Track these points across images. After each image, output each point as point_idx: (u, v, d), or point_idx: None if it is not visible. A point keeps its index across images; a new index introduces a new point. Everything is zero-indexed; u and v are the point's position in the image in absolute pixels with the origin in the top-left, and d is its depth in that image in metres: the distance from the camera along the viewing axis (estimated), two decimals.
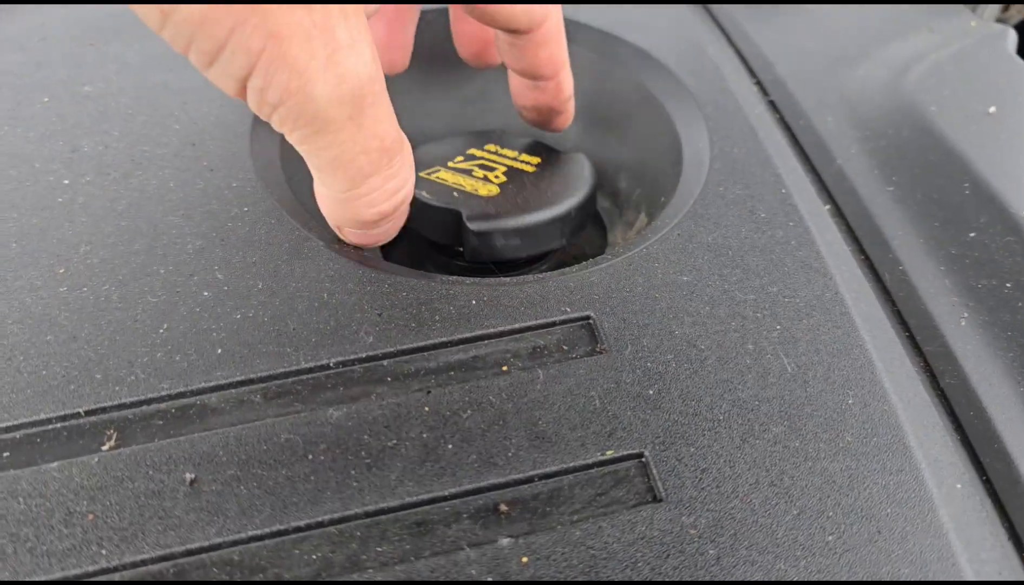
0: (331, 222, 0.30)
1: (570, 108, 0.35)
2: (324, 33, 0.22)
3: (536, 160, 0.37)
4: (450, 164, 0.36)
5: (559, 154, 0.37)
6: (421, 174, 0.36)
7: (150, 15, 0.22)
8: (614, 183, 0.42)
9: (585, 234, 0.41)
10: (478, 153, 0.37)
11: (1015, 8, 0.61)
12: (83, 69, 0.39)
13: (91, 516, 0.23)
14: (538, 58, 0.32)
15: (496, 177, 0.36)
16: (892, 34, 0.47)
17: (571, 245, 0.36)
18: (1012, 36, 0.47)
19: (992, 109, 0.40)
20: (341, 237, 0.31)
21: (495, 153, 0.37)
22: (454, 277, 0.30)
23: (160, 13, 0.22)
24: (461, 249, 0.35)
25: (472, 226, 0.33)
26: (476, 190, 0.35)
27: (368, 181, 0.27)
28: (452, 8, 0.36)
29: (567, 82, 0.34)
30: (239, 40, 0.22)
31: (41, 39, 0.41)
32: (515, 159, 0.37)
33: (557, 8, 0.31)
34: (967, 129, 0.39)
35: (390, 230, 0.30)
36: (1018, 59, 0.45)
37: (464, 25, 0.36)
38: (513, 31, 0.31)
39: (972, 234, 0.34)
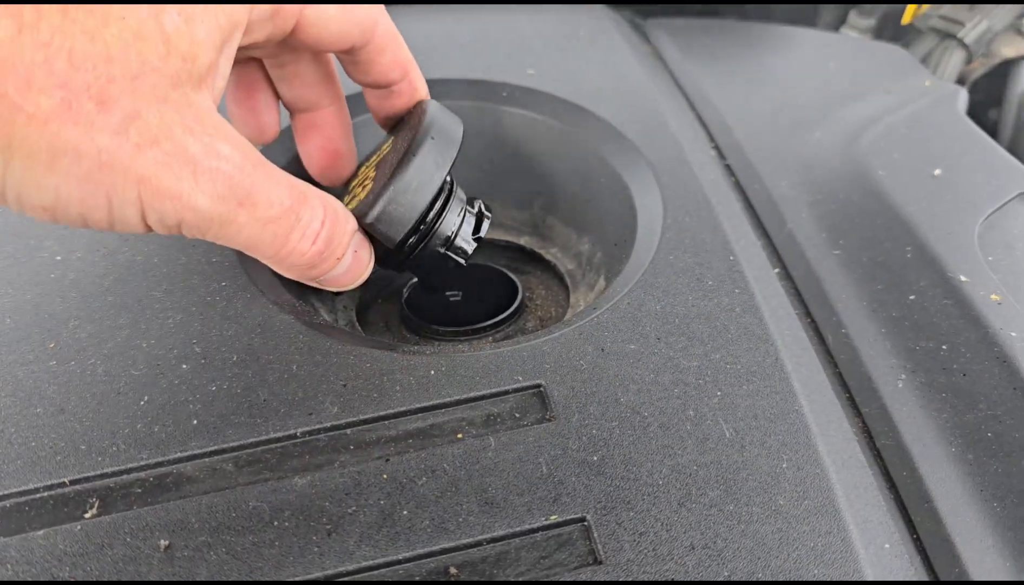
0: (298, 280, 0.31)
1: (414, 88, 0.35)
2: (178, 156, 0.25)
3: (389, 140, 0.36)
4: (350, 190, 0.35)
5: (402, 118, 0.36)
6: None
7: (41, 216, 0.24)
8: (577, 246, 0.44)
9: (550, 297, 0.43)
10: (353, 182, 0.36)
11: (979, 61, 0.63)
12: None
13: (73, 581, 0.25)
14: (382, 64, 0.32)
15: (368, 178, 0.34)
16: (850, 96, 0.49)
17: (537, 295, 0.37)
18: (963, 96, 0.49)
19: (937, 171, 0.42)
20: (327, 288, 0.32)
21: (363, 168, 0.36)
22: (415, 347, 0.32)
23: (45, 212, 0.24)
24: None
25: (367, 219, 0.31)
26: (358, 197, 0.33)
27: (288, 242, 0.28)
28: (296, 125, 0.36)
29: (419, 81, 0.34)
30: (118, 198, 0.24)
31: None
32: (376, 156, 0.36)
33: (382, 10, 0.31)
34: (912, 192, 0.41)
35: (354, 258, 0.30)
36: (966, 119, 0.47)
37: (310, 140, 0.36)
38: (349, 49, 0.31)
39: (912, 297, 0.36)
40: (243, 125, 0.35)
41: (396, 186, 0.31)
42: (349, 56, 0.32)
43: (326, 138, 0.35)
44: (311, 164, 0.36)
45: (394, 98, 0.34)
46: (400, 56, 0.33)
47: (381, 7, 0.31)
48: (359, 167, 0.37)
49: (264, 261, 0.29)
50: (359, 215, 0.31)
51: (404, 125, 0.35)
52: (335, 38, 0.30)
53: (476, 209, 0.35)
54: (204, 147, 0.25)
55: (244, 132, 0.35)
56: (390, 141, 0.35)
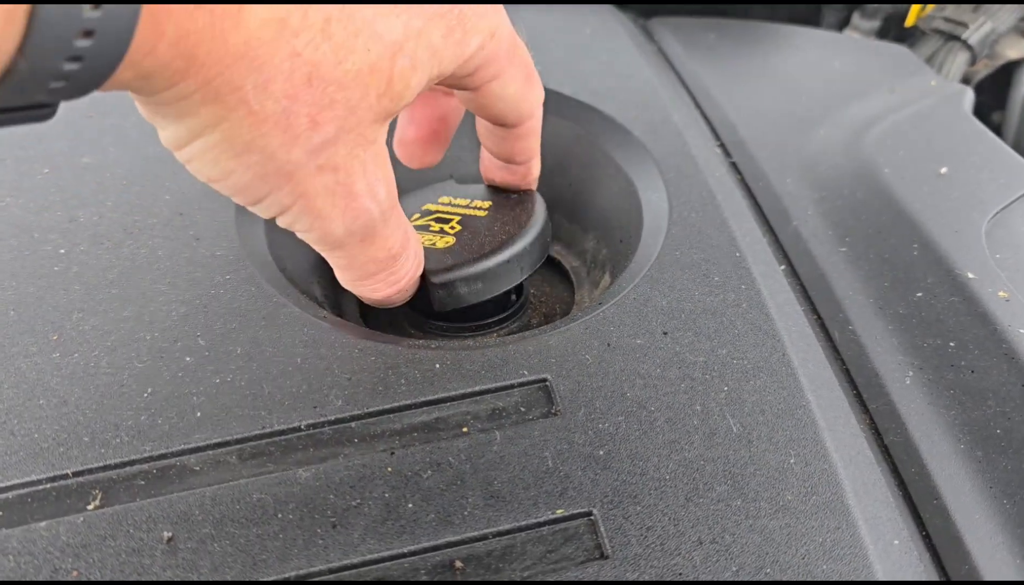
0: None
1: (533, 187, 0.38)
2: (344, 188, 0.27)
3: (487, 204, 0.38)
4: (415, 216, 0.38)
5: (509, 195, 0.39)
6: None
7: (199, 177, 0.26)
8: (582, 243, 0.44)
9: (554, 293, 0.43)
10: (433, 207, 0.39)
11: (982, 62, 0.63)
12: (83, 141, 0.41)
13: (75, 573, 0.25)
14: (516, 148, 0.34)
15: (451, 227, 0.37)
16: (854, 95, 0.49)
17: (541, 291, 0.37)
18: (969, 96, 0.49)
19: (944, 170, 0.42)
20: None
21: (448, 204, 0.38)
22: (420, 341, 0.32)
23: (207, 180, 0.26)
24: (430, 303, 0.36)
25: (435, 280, 0.34)
26: (434, 243, 0.36)
27: (373, 278, 0.31)
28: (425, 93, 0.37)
29: (535, 168, 0.36)
30: (274, 199, 0.27)
31: None
32: (467, 207, 0.38)
33: (540, 106, 0.33)
34: (919, 190, 0.41)
35: (397, 301, 0.34)
36: (972, 119, 0.47)
37: (421, 110, 0.36)
38: (501, 124, 0.33)
39: (919, 294, 0.36)
40: (409, 150, 0.36)
41: (475, 271, 0.35)
42: (494, 128, 0.34)
43: (436, 118, 0.35)
44: (408, 131, 0.36)
45: (507, 173, 0.36)
46: (532, 147, 0.35)
47: (542, 97, 0.33)
48: (446, 198, 0.40)
49: (335, 270, 0.31)
50: (429, 263, 0.35)
51: (508, 203, 0.38)
52: (498, 113, 0.32)
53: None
54: (367, 187, 0.28)
55: (405, 153, 0.36)
56: (488, 204, 0.38)
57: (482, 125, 0.34)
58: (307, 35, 0.24)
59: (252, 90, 0.24)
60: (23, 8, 0.19)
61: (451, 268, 0.35)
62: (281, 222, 0.28)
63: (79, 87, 0.21)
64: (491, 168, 0.37)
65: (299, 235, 0.29)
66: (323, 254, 0.30)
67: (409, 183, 0.45)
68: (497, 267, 0.35)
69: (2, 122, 0.21)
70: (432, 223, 0.38)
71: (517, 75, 0.31)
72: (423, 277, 0.35)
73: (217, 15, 0.22)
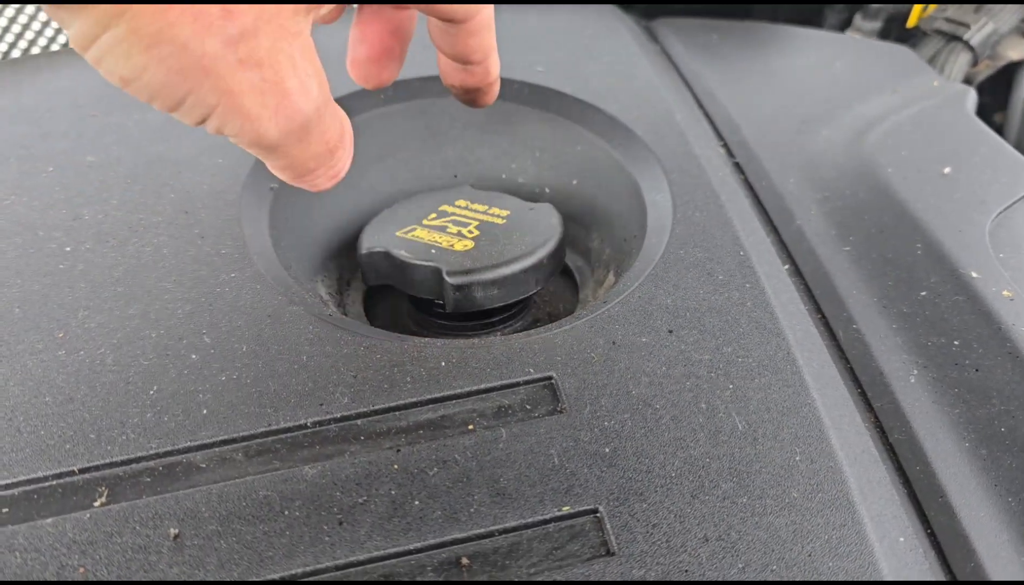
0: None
1: (495, 89, 0.36)
2: (275, 86, 0.26)
3: (505, 212, 0.39)
4: (425, 222, 0.38)
5: (527, 205, 0.39)
6: (398, 233, 0.38)
7: (112, 80, 0.25)
8: (586, 242, 0.44)
9: (558, 292, 0.43)
10: (450, 209, 0.39)
11: (984, 63, 0.63)
12: (86, 139, 0.41)
13: (82, 569, 0.25)
14: (469, 46, 0.33)
15: (470, 231, 0.38)
16: (857, 96, 0.49)
17: (545, 290, 0.38)
18: (972, 96, 0.49)
19: (947, 169, 0.42)
20: None
21: (466, 208, 0.39)
22: (426, 339, 0.32)
23: (120, 81, 0.25)
24: (441, 302, 0.37)
25: (452, 280, 0.35)
26: (452, 245, 0.37)
27: (313, 174, 0.30)
28: (361, 11, 0.35)
29: (494, 66, 0.35)
30: (195, 98, 0.25)
31: (48, 110, 0.43)
32: (485, 212, 0.39)
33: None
34: (922, 190, 0.41)
35: (329, 187, 0.32)
36: (975, 119, 0.47)
37: (371, 26, 0.35)
38: (449, 20, 0.31)
39: (923, 293, 0.36)
40: (368, 66, 0.35)
41: (493, 277, 0.36)
42: (444, 26, 0.32)
43: (388, 32, 0.34)
44: (360, 49, 0.35)
45: (466, 75, 0.35)
46: (487, 43, 0.33)
47: None
48: (463, 201, 0.40)
49: (272, 170, 0.29)
50: (445, 266, 0.36)
51: (526, 213, 0.39)
52: (445, 10, 0.31)
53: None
54: (299, 84, 0.26)
55: (366, 72, 0.35)
56: (507, 212, 0.39)
57: (433, 25, 0.33)
58: None
59: None
60: None
61: (469, 272, 0.35)
62: (210, 127, 0.26)
63: None
64: (449, 72, 0.35)
65: (232, 140, 0.27)
66: (258, 156, 0.29)
67: (424, 187, 0.45)
68: (515, 275, 0.36)
69: None
70: (450, 225, 0.38)
71: None
72: (439, 278, 0.35)
73: None
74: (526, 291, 0.37)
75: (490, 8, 0.32)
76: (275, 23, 0.25)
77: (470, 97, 0.36)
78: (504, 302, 0.37)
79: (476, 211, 0.39)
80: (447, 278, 0.35)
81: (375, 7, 0.34)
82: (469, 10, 0.31)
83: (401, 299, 0.41)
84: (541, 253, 0.37)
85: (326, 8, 0.27)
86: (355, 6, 0.35)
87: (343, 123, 0.30)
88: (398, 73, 0.36)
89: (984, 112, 0.65)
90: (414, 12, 0.35)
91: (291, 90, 0.26)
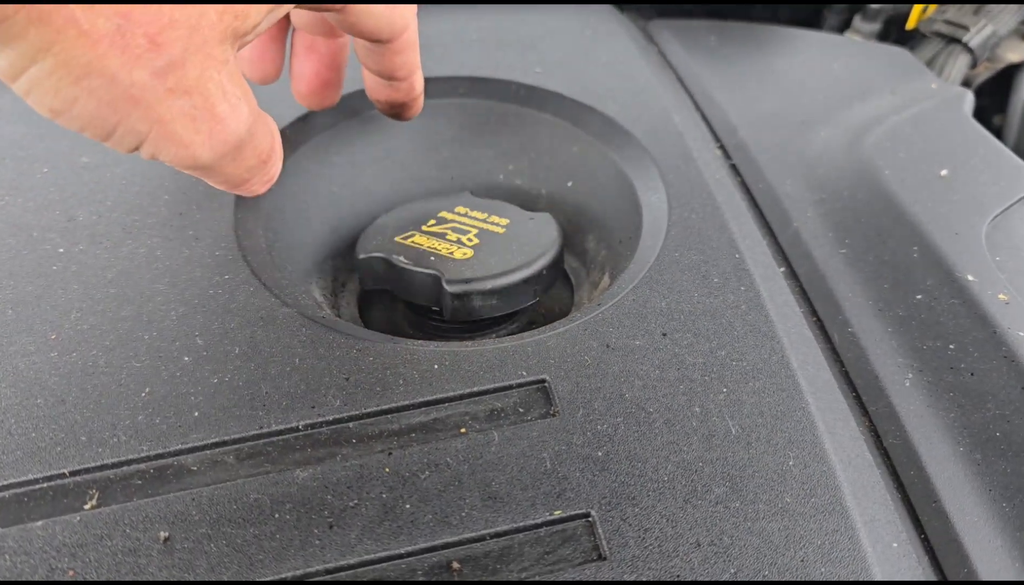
0: None
1: (419, 103, 0.37)
2: (205, 112, 0.26)
3: (505, 221, 0.39)
4: (424, 228, 0.38)
5: (527, 214, 0.39)
6: (397, 238, 0.38)
7: (41, 111, 0.25)
8: (582, 244, 0.44)
9: (554, 293, 0.43)
10: (449, 216, 0.39)
11: (983, 65, 0.63)
12: (81, 140, 0.41)
13: (71, 572, 0.25)
14: (394, 64, 0.34)
15: (469, 239, 0.38)
16: (855, 98, 0.49)
17: (541, 301, 0.38)
18: (969, 98, 0.49)
19: (944, 172, 0.42)
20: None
21: (465, 215, 0.39)
22: (419, 342, 0.32)
23: (50, 113, 0.25)
24: (437, 309, 0.37)
25: (451, 289, 0.35)
26: (451, 253, 0.37)
27: (248, 183, 0.30)
28: (297, 41, 0.36)
29: (419, 82, 0.36)
30: (126, 128, 0.25)
31: None
32: (485, 221, 0.39)
33: (415, 18, 0.33)
34: (919, 192, 0.41)
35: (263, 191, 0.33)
36: (973, 122, 0.47)
37: (306, 63, 0.36)
38: (376, 41, 0.32)
39: (919, 296, 0.36)
40: (251, 66, 0.36)
41: (493, 287, 0.36)
42: (370, 46, 0.33)
43: (324, 65, 0.36)
44: (301, 85, 0.37)
45: (391, 90, 0.35)
46: (412, 61, 0.34)
47: (414, 10, 0.32)
48: (463, 208, 0.40)
49: (207, 181, 0.30)
50: (445, 274, 0.36)
51: (526, 223, 0.39)
52: (369, 30, 0.31)
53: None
54: (230, 109, 0.26)
55: (250, 71, 0.36)
56: (506, 222, 0.39)
57: (359, 44, 0.33)
58: None
59: (80, 8, 0.22)
60: None
61: (469, 281, 0.35)
62: (144, 154, 0.26)
63: None
64: (375, 88, 0.36)
65: (166, 163, 0.27)
66: (194, 175, 0.29)
67: (423, 192, 0.45)
68: (513, 286, 0.36)
69: None
70: (449, 232, 0.38)
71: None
72: (438, 285, 0.35)
73: None
74: (524, 301, 0.37)
75: (414, 27, 0.33)
76: (202, 52, 0.25)
77: (395, 111, 0.37)
78: (502, 312, 0.37)
79: (476, 219, 0.39)
80: (446, 286, 0.35)
81: (307, 43, 0.36)
82: (394, 30, 0.32)
83: (396, 302, 0.41)
84: (540, 264, 0.37)
85: (251, 35, 0.27)
86: (288, 43, 0.36)
87: (272, 133, 0.30)
88: (339, 95, 0.37)
89: (983, 114, 0.65)
90: (346, 40, 0.36)
91: (222, 115, 0.26)
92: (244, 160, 0.29)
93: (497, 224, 0.39)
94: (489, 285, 0.36)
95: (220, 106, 0.26)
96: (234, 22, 0.25)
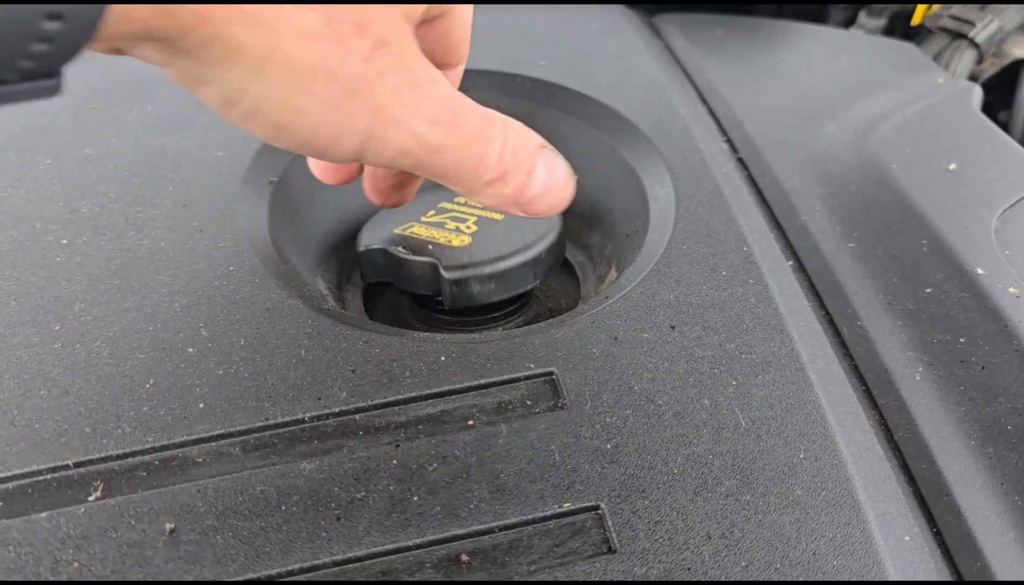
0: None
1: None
2: (409, 84, 0.25)
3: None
4: (423, 219, 0.38)
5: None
6: (396, 230, 0.38)
7: (263, 133, 0.24)
8: (588, 238, 0.43)
9: (560, 287, 0.43)
10: (449, 206, 0.39)
11: (989, 61, 0.63)
12: (85, 132, 0.41)
13: (76, 564, 0.25)
14: (452, 41, 0.31)
15: (467, 227, 0.37)
16: (861, 92, 0.49)
17: (547, 285, 0.38)
18: (977, 93, 0.49)
19: (952, 166, 0.42)
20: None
21: (465, 204, 0.39)
22: (425, 334, 0.32)
23: (274, 130, 0.24)
24: (440, 297, 0.36)
25: (448, 275, 0.35)
26: (450, 241, 0.36)
27: (483, 159, 0.27)
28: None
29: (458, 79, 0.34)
30: (351, 126, 0.24)
31: (46, 102, 0.43)
32: (484, 209, 0.38)
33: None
34: (927, 186, 0.40)
35: (548, 173, 0.29)
36: (981, 116, 0.46)
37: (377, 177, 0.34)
38: (447, 64, 0.31)
39: (929, 290, 0.36)
40: (332, 170, 0.33)
41: (490, 271, 0.35)
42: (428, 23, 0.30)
43: (393, 174, 0.33)
44: (376, 182, 0.33)
45: (402, 197, 0.34)
46: (466, 38, 0.32)
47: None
48: (462, 198, 0.39)
49: (459, 187, 0.28)
50: (443, 260, 0.35)
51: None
52: (456, 41, 0.30)
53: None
54: (427, 75, 0.25)
55: (331, 176, 0.33)
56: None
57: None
58: None
59: (290, 8, 0.21)
60: None
61: (466, 266, 0.35)
62: (368, 152, 0.25)
63: (66, 49, 0.19)
64: (387, 193, 0.34)
65: (397, 163, 0.26)
66: (441, 176, 0.27)
67: (429, 185, 0.44)
68: (512, 269, 0.36)
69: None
70: (448, 221, 0.38)
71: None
72: (436, 273, 0.35)
73: None
74: (524, 286, 0.37)
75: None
76: (396, 28, 0.24)
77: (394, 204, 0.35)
78: (502, 297, 0.36)
79: (475, 208, 0.39)
80: (443, 273, 0.35)
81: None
82: (463, 55, 0.31)
83: (401, 294, 0.41)
84: (539, 247, 0.36)
85: (417, 19, 0.26)
86: None
87: (484, 108, 0.28)
88: (412, 195, 0.34)
89: (989, 110, 0.64)
90: None
91: (421, 83, 0.25)
92: (464, 131, 0.26)
93: (496, 211, 0.38)
94: (487, 270, 0.35)
95: (418, 74, 0.25)
96: (407, 3, 0.25)
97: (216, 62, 0.22)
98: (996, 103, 0.65)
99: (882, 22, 0.66)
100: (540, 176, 0.28)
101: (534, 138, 0.29)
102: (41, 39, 0.19)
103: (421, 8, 0.26)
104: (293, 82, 0.22)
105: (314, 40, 0.22)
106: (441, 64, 0.32)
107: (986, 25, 0.60)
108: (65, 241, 0.35)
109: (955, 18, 0.62)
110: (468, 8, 0.30)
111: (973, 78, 0.61)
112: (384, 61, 0.24)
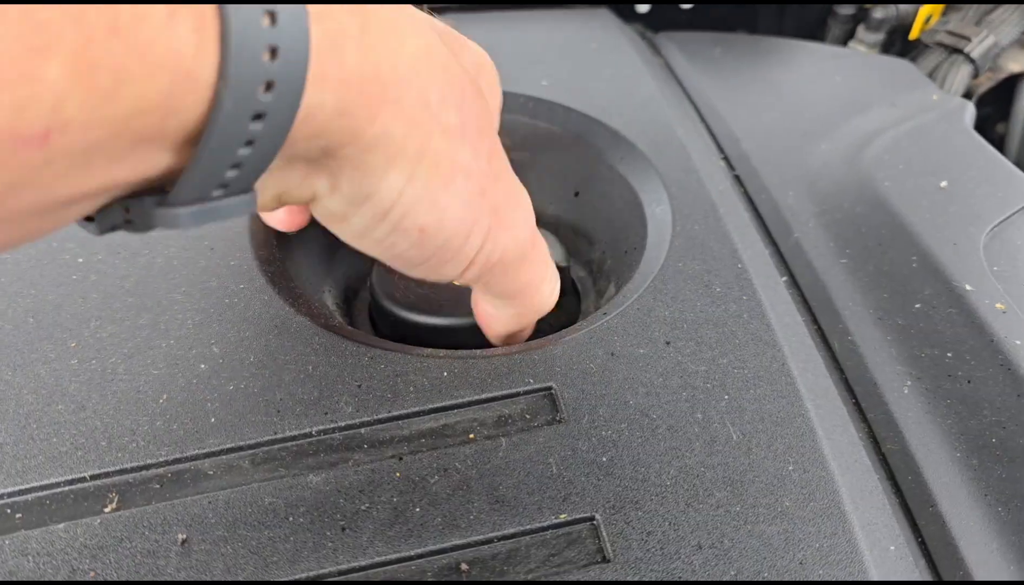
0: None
1: None
2: (513, 189, 0.26)
3: None
4: None
5: None
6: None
7: (409, 237, 0.24)
8: (588, 254, 0.45)
9: (560, 303, 0.44)
10: None
11: (985, 75, 0.64)
12: None
13: (92, 574, 0.26)
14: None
15: None
16: (856, 110, 0.50)
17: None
18: (970, 110, 0.50)
19: (943, 183, 0.43)
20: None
21: None
22: (428, 350, 0.33)
23: (419, 233, 0.24)
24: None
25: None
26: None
27: (543, 282, 0.30)
28: None
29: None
30: (479, 226, 0.25)
31: None
32: None
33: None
34: (918, 203, 0.41)
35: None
36: (973, 133, 0.47)
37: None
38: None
39: (918, 305, 0.37)
40: (285, 217, 0.35)
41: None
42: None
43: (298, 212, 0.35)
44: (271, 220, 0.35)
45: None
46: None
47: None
48: None
49: (522, 309, 0.30)
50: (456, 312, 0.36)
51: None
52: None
53: None
54: (519, 185, 0.26)
55: (282, 223, 0.35)
56: None
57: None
58: (443, 49, 0.23)
59: (438, 106, 0.22)
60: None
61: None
62: (481, 256, 0.25)
63: (264, 155, 0.19)
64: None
65: (484, 268, 0.26)
66: (515, 293, 0.28)
67: None
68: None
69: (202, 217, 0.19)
70: None
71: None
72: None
73: (384, 34, 0.21)
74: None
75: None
76: (495, 128, 0.25)
77: None
78: None
79: None
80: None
81: None
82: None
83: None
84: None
85: None
86: None
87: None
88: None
89: (986, 124, 0.65)
90: None
91: (517, 191, 0.26)
92: (540, 249, 0.28)
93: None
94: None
95: (515, 181, 0.26)
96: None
97: (380, 168, 0.22)
98: (993, 117, 0.66)
99: (880, 36, 0.67)
100: (554, 296, 0.31)
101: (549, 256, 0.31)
102: (246, 142, 0.18)
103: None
104: (440, 181, 0.22)
105: (454, 138, 0.22)
106: None
107: (982, 40, 0.61)
108: (81, 259, 0.36)
109: (952, 33, 0.63)
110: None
111: (969, 93, 0.62)
112: (499, 163, 0.25)
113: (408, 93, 0.21)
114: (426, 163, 0.22)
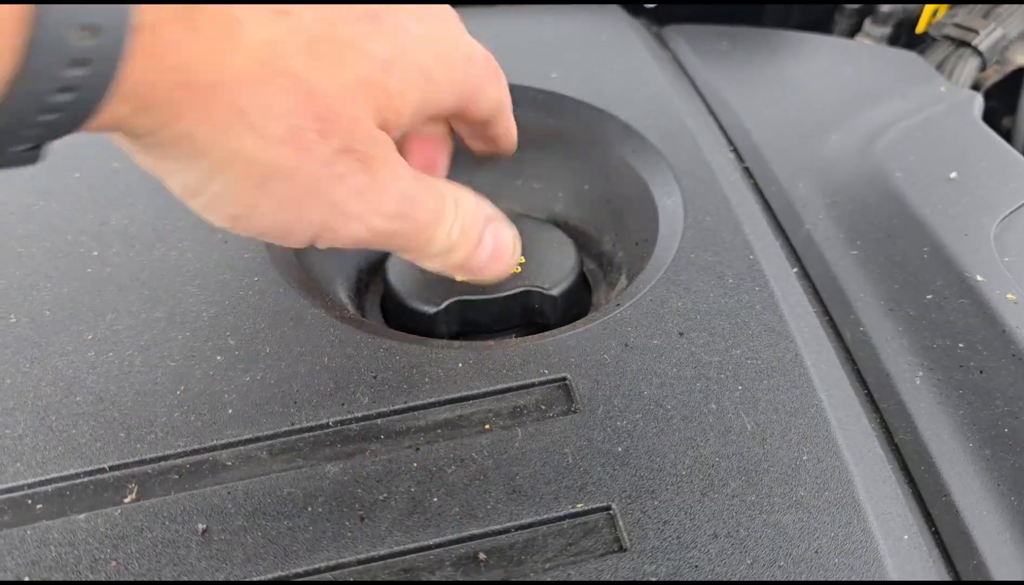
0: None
1: (514, 148, 0.38)
2: (371, 184, 0.27)
3: (521, 259, 0.39)
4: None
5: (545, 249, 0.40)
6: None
7: (219, 222, 0.26)
8: (599, 246, 0.45)
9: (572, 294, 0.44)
10: None
11: (993, 68, 0.64)
12: (113, 146, 0.42)
13: (114, 563, 0.26)
14: (491, 136, 0.35)
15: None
16: (866, 102, 0.50)
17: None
18: (979, 102, 0.50)
19: (953, 174, 0.43)
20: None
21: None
22: (443, 341, 0.33)
23: (229, 220, 0.26)
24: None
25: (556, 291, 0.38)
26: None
27: (432, 239, 0.29)
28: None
29: (513, 136, 0.37)
30: (305, 220, 0.26)
31: None
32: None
33: (506, 94, 0.34)
34: (929, 195, 0.42)
35: (494, 242, 0.32)
36: (982, 125, 0.47)
37: (412, 157, 0.36)
38: (476, 122, 0.33)
39: (929, 296, 0.37)
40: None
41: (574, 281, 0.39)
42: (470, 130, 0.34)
43: (428, 157, 0.36)
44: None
45: (489, 145, 0.36)
46: (511, 130, 0.35)
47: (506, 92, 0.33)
48: None
49: (408, 258, 0.30)
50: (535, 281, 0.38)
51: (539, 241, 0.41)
52: (483, 116, 0.33)
53: None
54: (391, 173, 0.27)
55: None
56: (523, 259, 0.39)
57: (463, 130, 0.35)
58: (297, 56, 0.24)
59: (258, 114, 0.23)
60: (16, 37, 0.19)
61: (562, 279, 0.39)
62: (322, 242, 0.27)
63: (70, 120, 0.21)
64: (473, 142, 0.37)
65: (348, 246, 0.28)
66: (388, 250, 0.30)
67: None
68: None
69: None
70: None
71: (496, 84, 0.32)
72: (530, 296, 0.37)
73: (211, 39, 0.22)
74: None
75: (507, 100, 0.34)
76: (365, 136, 0.26)
77: (492, 155, 0.38)
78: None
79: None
80: (550, 292, 0.38)
81: (409, 134, 0.36)
82: (491, 109, 0.33)
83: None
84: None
85: (398, 131, 0.28)
86: None
87: (440, 186, 0.30)
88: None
89: (993, 117, 0.65)
90: (448, 126, 0.36)
91: (384, 182, 0.27)
92: (418, 218, 0.28)
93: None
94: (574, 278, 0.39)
95: (381, 174, 0.27)
96: (393, 117, 0.27)
97: (180, 159, 0.24)
98: (1000, 110, 0.66)
99: (887, 30, 0.67)
100: (487, 246, 0.31)
101: (483, 211, 0.31)
102: (51, 110, 0.20)
103: (400, 121, 0.27)
104: (249, 181, 0.24)
105: (275, 146, 0.24)
106: (488, 153, 0.36)
107: (989, 33, 0.61)
108: (96, 252, 0.36)
109: (959, 26, 0.63)
110: (497, 114, 0.33)
111: (977, 86, 0.62)
112: (346, 165, 0.26)
113: (219, 101, 0.23)
114: (234, 167, 0.24)
